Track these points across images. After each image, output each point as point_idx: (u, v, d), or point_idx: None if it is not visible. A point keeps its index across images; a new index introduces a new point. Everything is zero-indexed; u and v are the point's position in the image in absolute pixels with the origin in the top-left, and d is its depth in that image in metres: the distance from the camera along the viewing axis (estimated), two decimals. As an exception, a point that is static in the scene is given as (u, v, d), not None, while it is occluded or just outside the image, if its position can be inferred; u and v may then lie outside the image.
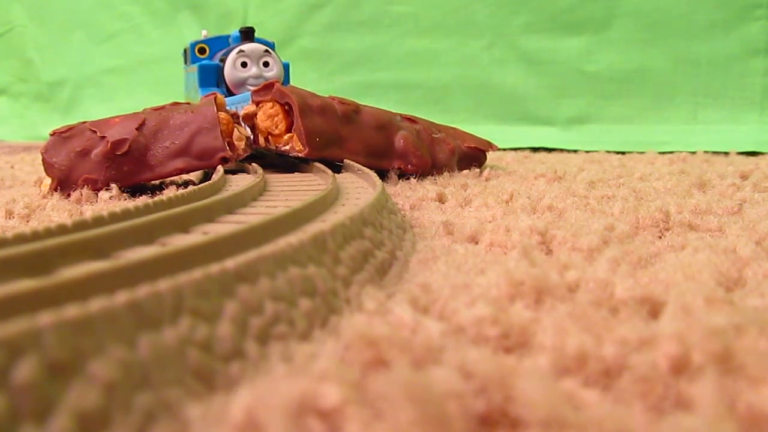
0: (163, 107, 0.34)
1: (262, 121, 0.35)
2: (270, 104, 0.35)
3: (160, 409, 0.08)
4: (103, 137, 0.31)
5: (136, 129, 0.32)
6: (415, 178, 0.35)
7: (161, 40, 1.00)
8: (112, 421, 0.08)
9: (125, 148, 0.31)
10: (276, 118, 0.35)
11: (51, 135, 0.32)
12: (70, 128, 0.32)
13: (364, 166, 0.32)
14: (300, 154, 0.34)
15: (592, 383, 0.10)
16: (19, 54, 1.13)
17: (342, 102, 0.36)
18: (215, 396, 0.09)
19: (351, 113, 0.36)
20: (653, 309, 0.13)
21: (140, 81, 1.02)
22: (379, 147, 0.37)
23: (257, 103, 0.36)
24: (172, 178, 0.35)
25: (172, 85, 0.98)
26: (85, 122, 0.33)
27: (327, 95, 0.37)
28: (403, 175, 0.36)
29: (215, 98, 0.34)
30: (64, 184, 0.31)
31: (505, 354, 0.11)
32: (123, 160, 0.31)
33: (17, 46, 1.13)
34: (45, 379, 0.08)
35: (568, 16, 0.72)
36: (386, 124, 0.37)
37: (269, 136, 0.36)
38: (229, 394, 0.09)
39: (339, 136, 0.35)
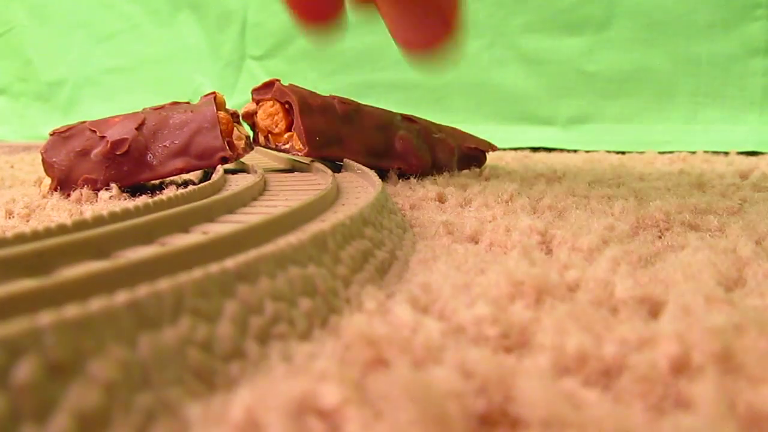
0: (162, 107, 0.34)
1: (262, 119, 0.35)
2: (270, 103, 0.35)
3: (160, 408, 0.08)
4: (103, 137, 0.31)
5: (136, 129, 0.32)
6: (415, 178, 0.35)
7: (161, 40, 1.00)
8: (113, 420, 0.08)
9: (125, 147, 0.31)
10: (276, 117, 0.35)
11: (50, 135, 0.32)
12: (70, 128, 0.32)
13: (364, 165, 0.32)
14: (300, 154, 0.34)
15: (592, 383, 0.10)
16: (19, 54, 1.13)
17: (342, 102, 0.36)
18: (215, 396, 0.09)
19: (351, 113, 0.36)
20: (653, 309, 0.13)
21: (140, 81, 1.02)
22: (379, 147, 0.37)
23: (257, 102, 0.36)
24: (171, 178, 0.35)
25: (172, 85, 0.98)
26: (84, 122, 0.33)
27: (327, 95, 0.37)
28: (403, 175, 0.36)
29: (215, 97, 0.34)
30: (64, 184, 0.31)
31: (505, 354, 0.11)
32: (123, 159, 0.31)
33: (17, 46, 1.13)
34: (45, 379, 0.08)
35: (568, 16, 0.72)
36: (386, 124, 0.37)
37: (269, 135, 0.36)
38: (229, 393, 0.09)
39: (339, 136, 0.35)
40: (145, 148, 0.32)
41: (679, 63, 0.68)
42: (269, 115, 0.35)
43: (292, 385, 0.09)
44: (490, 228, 0.21)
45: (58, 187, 0.32)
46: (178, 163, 0.32)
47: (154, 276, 0.11)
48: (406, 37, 0.30)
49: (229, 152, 0.32)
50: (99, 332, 0.08)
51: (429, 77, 0.78)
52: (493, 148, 0.44)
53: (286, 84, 0.35)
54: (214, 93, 0.34)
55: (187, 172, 0.33)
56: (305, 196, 0.22)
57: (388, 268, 0.17)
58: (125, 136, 0.31)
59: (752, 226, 0.21)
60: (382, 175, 0.33)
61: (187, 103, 0.34)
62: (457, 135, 0.43)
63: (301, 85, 0.36)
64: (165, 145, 0.32)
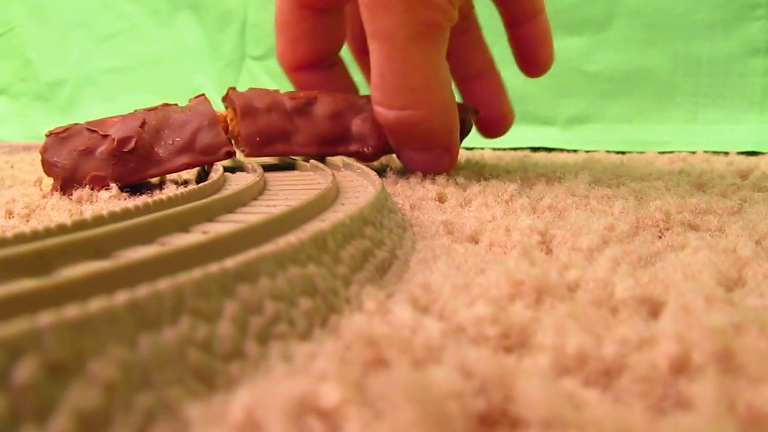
0: (155, 108, 0.34)
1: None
2: (230, 109, 0.37)
3: (160, 408, 0.08)
4: (106, 135, 0.31)
5: (139, 127, 0.32)
6: (414, 177, 0.35)
7: (161, 40, 1.00)
8: (113, 421, 0.08)
9: (132, 145, 0.31)
10: (233, 122, 0.36)
11: (47, 136, 0.32)
12: (67, 129, 0.32)
13: (317, 155, 0.34)
14: (244, 154, 0.36)
15: (592, 383, 0.10)
16: (19, 54, 1.13)
17: (293, 97, 0.37)
18: (215, 396, 0.09)
19: (303, 106, 0.36)
20: (653, 309, 0.13)
21: (140, 81, 1.02)
22: (332, 134, 0.37)
23: (225, 108, 0.37)
24: (171, 177, 0.36)
25: (172, 85, 0.98)
26: (78, 123, 0.33)
27: (284, 92, 0.37)
28: (402, 174, 0.36)
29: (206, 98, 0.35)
30: (68, 182, 0.31)
31: (505, 354, 0.11)
32: (129, 157, 0.31)
33: (17, 46, 1.13)
34: (45, 379, 0.08)
35: (568, 16, 0.72)
36: (343, 111, 0.37)
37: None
38: (229, 393, 0.09)
39: (285, 132, 0.36)
40: (150, 145, 0.32)
41: (679, 63, 0.68)
42: (230, 120, 0.37)
43: (292, 385, 0.09)
44: (490, 228, 0.21)
45: (62, 187, 0.32)
46: (185, 158, 0.33)
47: (154, 276, 0.11)
48: (413, 164, 0.36)
49: (233, 147, 0.33)
50: (99, 332, 0.08)
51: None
52: (478, 112, 0.43)
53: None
54: (202, 94, 0.36)
55: (194, 166, 0.33)
56: (305, 195, 0.22)
57: (388, 267, 0.17)
58: (130, 134, 0.31)
59: (752, 226, 0.21)
60: (381, 173, 0.33)
61: (176, 105, 0.35)
62: None
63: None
64: (169, 143, 0.32)
